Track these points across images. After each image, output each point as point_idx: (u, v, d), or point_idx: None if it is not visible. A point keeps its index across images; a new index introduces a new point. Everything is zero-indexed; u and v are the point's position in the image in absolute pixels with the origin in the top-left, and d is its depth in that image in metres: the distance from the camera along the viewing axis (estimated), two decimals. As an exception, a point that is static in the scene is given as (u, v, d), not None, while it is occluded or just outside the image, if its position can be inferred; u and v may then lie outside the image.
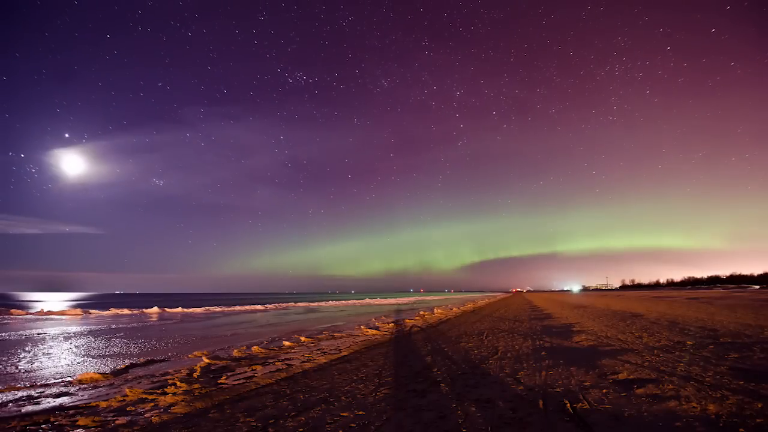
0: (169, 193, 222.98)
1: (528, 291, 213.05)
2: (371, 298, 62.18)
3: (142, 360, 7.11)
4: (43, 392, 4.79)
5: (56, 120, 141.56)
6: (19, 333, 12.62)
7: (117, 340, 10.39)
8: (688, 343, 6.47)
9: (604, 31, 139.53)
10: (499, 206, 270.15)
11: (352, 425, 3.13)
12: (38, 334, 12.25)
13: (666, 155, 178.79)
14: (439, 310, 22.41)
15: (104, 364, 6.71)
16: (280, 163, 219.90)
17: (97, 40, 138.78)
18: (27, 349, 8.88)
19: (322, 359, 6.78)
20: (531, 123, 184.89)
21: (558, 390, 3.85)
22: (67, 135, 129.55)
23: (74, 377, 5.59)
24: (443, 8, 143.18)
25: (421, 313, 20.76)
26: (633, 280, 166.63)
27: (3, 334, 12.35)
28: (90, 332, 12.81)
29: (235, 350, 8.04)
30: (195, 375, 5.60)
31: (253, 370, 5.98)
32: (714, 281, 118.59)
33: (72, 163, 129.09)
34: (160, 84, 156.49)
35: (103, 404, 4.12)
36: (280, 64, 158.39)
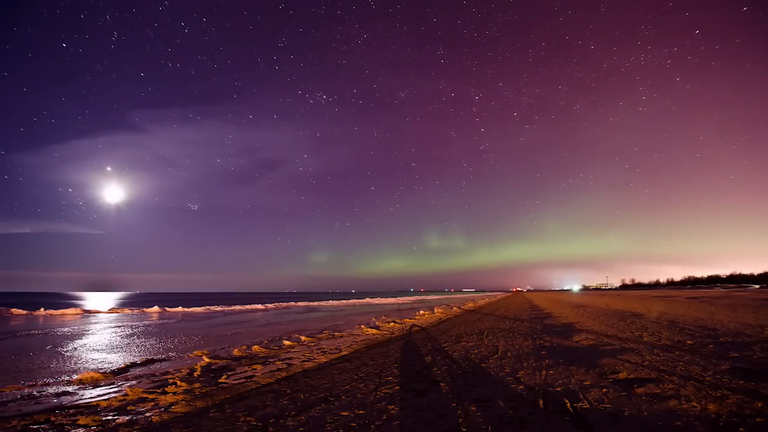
0: (203, 215, 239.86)
1: (528, 290, 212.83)
2: (371, 298, 62.19)
3: (142, 359, 7.11)
4: (43, 391, 4.79)
5: (99, 155, 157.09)
6: (18, 332, 12.63)
7: (117, 340, 10.40)
8: (688, 342, 6.47)
9: (625, 21, 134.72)
10: (527, 207, 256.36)
11: (353, 424, 3.13)
12: (38, 333, 12.27)
13: (704, 143, 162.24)
14: (439, 310, 22.42)
15: (104, 364, 6.71)
16: (305, 181, 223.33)
17: (132, 79, 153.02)
18: (26, 348, 8.88)
19: (323, 358, 6.78)
20: (555, 121, 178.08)
21: (558, 389, 3.85)
22: (109, 168, 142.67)
23: (74, 376, 5.60)
24: (456, 16, 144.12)
25: (421, 312, 20.77)
26: (633, 280, 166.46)
27: (3, 333, 12.37)
28: (90, 332, 12.82)
29: (236, 349, 8.04)
30: (195, 374, 5.61)
31: (253, 369, 5.98)
32: (714, 281, 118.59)
33: (114, 194, 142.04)
34: (191, 115, 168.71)
35: (104, 403, 4.12)
36: (301, 86, 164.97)
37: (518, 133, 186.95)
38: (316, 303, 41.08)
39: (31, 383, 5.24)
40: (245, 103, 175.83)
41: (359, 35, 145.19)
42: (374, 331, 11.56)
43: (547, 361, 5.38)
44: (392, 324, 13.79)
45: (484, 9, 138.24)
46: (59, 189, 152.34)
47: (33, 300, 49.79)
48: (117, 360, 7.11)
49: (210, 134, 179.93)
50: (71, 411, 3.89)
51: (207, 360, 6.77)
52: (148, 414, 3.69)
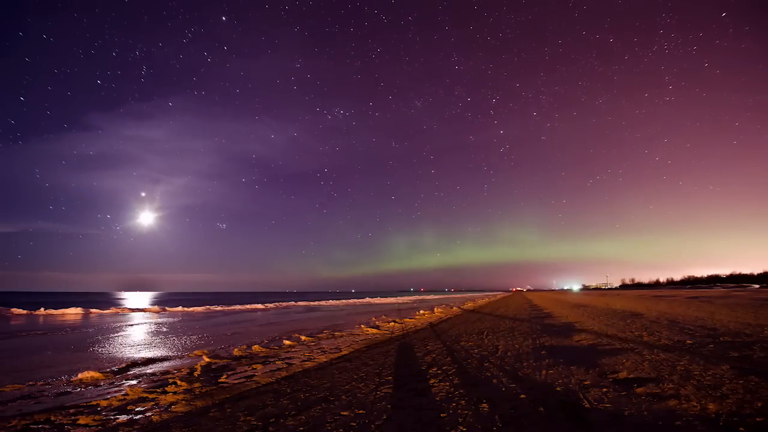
0: (231, 235, 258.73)
1: (528, 290, 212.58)
2: (371, 298, 62.21)
3: (142, 359, 7.12)
4: (43, 391, 4.80)
5: (134, 182, 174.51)
6: (18, 332, 12.63)
7: (116, 339, 10.40)
8: (688, 342, 6.47)
9: (644, 11, 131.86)
10: (553, 207, 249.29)
11: (353, 424, 3.13)
12: (38, 333, 12.27)
13: (740, 129, 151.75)
14: (438, 310, 22.43)
15: (104, 363, 6.71)
16: (327, 195, 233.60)
17: (162, 107, 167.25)
18: (26, 348, 8.89)
19: (323, 358, 6.78)
20: (577, 117, 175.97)
21: (558, 389, 3.85)
22: (143, 194, 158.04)
23: (74, 376, 5.60)
24: (468, 22, 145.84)
25: (421, 312, 20.77)
26: (633, 279, 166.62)
27: (3, 333, 12.37)
28: (89, 331, 12.82)
29: (236, 349, 8.05)
30: (195, 374, 5.61)
31: (253, 369, 5.98)
32: (714, 280, 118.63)
33: (148, 217, 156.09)
34: (216, 138, 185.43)
35: (104, 403, 4.12)
36: (319, 103, 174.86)
37: (539, 133, 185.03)
38: (316, 303, 41.10)
39: (31, 383, 5.24)
40: (266, 124, 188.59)
41: (373, 49, 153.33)
42: (374, 330, 11.56)
43: (547, 360, 5.39)
44: (392, 324, 13.79)
45: (496, 12, 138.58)
46: (98, 215, 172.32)
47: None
48: (117, 359, 7.11)
49: (235, 155, 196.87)
50: (71, 411, 3.90)
51: (207, 359, 6.77)
52: (148, 413, 3.69)
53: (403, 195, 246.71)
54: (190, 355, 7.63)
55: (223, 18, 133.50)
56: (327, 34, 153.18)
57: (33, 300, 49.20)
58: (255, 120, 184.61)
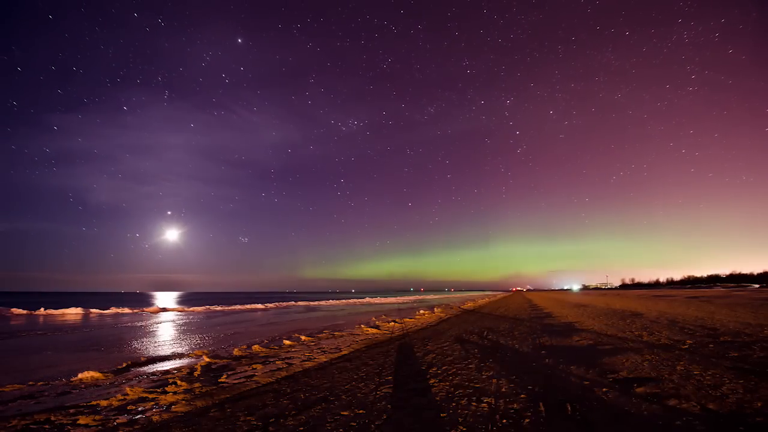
0: (252, 249, 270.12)
1: (528, 290, 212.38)
2: (371, 297, 62.21)
3: (142, 359, 7.11)
4: (43, 391, 4.79)
5: (159, 201, 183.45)
6: (18, 332, 12.63)
7: (116, 339, 10.40)
8: (688, 341, 6.47)
9: (660, 0, 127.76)
10: (576, 206, 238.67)
11: (353, 424, 3.13)
12: (37, 333, 12.27)
13: None
14: (439, 309, 22.42)
15: (104, 363, 6.71)
16: (344, 204, 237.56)
17: (183, 128, 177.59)
18: (26, 348, 8.88)
19: (323, 358, 6.78)
20: (596, 113, 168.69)
21: (558, 389, 3.86)
22: (169, 212, 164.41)
23: (74, 376, 5.60)
24: (478, 26, 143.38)
25: (421, 312, 20.77)
26: (633, 279, 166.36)
27: (3, 333, 12.37)
28: (89, 331, 12.82)
29: (236, 349, 8.04)
30: (195, 374, 5.61)
31: (253, 368, 5.98)
32: (714, 280, 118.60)
33: (173, 234, 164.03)
34: (236, 156, 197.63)
35: (104, 403, 4.12)
36: (333, 116, 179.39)
37: (557, 131, 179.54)
38: (315, 303, 41.10)
39: (31, 383, 5.24)
40: (283, 139, 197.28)
41: (384, 60, 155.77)
42: (374, 330, 11.56)
43: (547, 360, 5.39)
44: (392, 323, 13.79)
45: (506, 14, 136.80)
46: (128, 235, 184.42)
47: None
48: (117, 359, 7.10)
49: (254, 171, 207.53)
50: (71, 411, 3.89)
51: (207, 359, 6.77)
52: (148, 413, 3.69)
53: (419, 201, 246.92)
54: (190, 354, 7.63)
55: (239, 40, 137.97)
56: (338, 48, 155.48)
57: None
58: (272, 136, 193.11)
